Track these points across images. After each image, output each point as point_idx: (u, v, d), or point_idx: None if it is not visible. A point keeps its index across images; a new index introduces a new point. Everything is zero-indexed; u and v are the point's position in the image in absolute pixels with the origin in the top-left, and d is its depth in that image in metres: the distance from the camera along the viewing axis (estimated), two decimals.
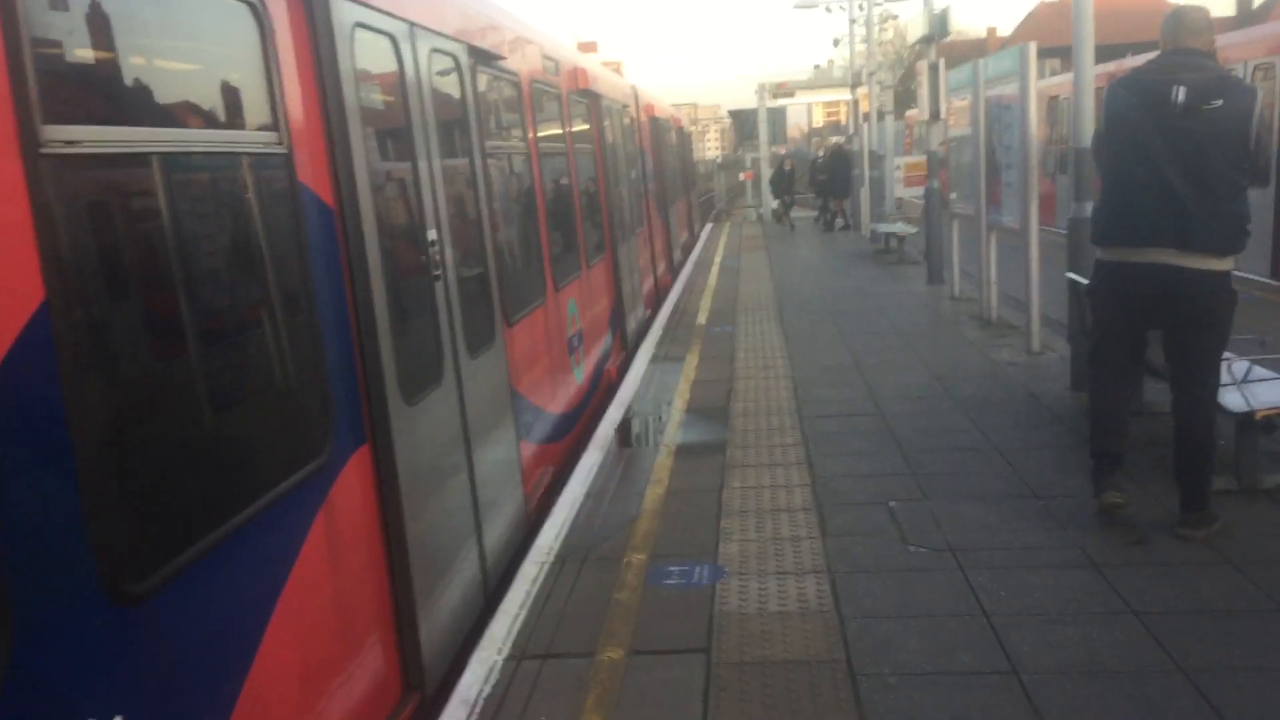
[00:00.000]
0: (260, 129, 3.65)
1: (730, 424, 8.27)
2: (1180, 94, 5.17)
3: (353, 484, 4.07)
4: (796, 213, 31.21)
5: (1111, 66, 18.96)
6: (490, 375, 5.96)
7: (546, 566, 5.66)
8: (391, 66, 4.85)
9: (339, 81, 4.11)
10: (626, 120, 14.40)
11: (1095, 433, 5.76)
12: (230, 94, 3.55)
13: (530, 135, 7.97)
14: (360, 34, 4.39)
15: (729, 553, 5.67)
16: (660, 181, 18.95)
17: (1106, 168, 5.53)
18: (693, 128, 44.14)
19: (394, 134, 4.91)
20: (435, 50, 5.47)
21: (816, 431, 7.90)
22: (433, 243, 5.08)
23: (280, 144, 3.71)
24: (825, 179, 27.37)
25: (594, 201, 11.01)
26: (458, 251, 5.54)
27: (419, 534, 4.50)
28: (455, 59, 5.90)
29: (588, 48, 21.80)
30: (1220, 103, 5.13)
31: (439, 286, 5.13)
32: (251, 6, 3.60)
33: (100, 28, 2.85)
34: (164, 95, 3.25)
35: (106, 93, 2.93)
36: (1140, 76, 5.42)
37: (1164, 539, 5.49)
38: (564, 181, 9.51)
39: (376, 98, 4.72)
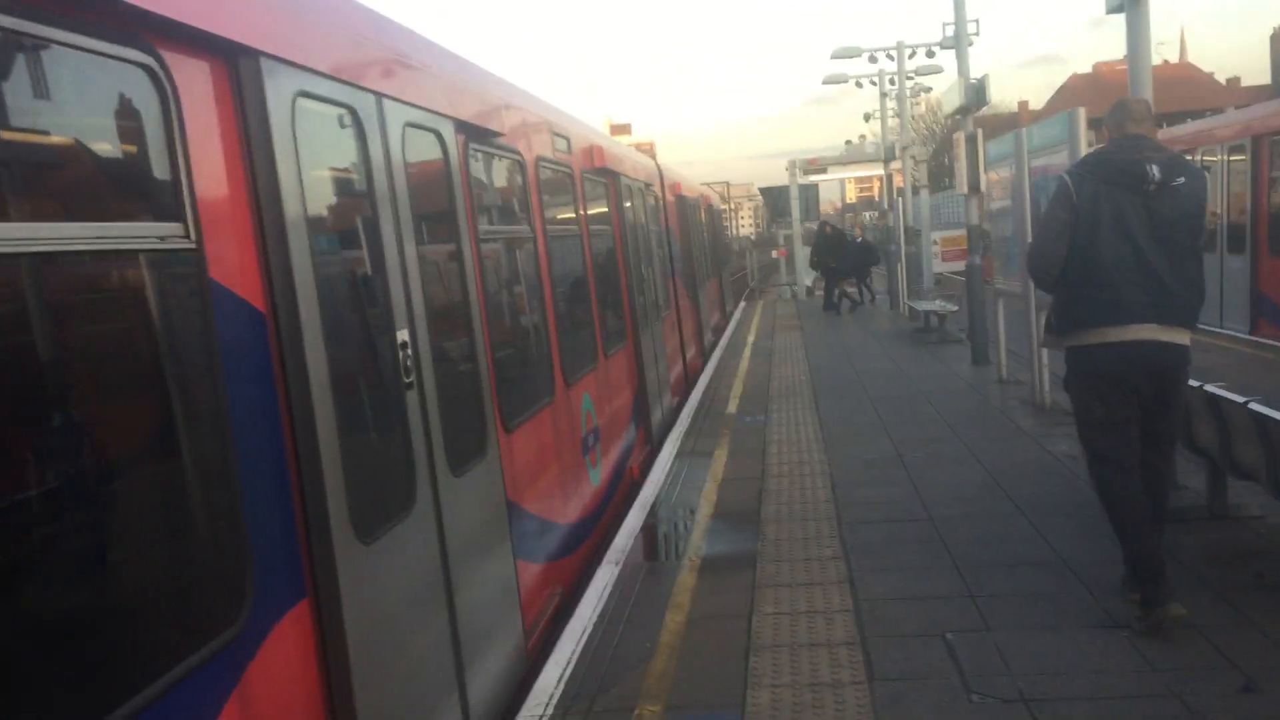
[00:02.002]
0: (159, 219, 2.95)
1: (761, 532, 7.42)
2: (1155, 171, 5.29)
3: (284, 653, 3.28)
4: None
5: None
6: (480, 493, 5.18)
7: None
8: (348, 144, 4.17)
9: (273, 162, 3.42)
10: (650, 200, 13.79)
11: (1127, 538, 5.42)
12: (115, 178, 2.86)
13: (536, 218, 7.30)
14: (305, 105, 3.71)
15: (759, 704, 4.80)
16: (689, 262, 18.30)
17: (1080, 251, 5.39)
18: (724, 206, 43.78)
19: (352, 222, 4.22)
20: (411, 125, 4.80)
21: (858, 541, 7.02)
22: (403, 345, 4.35)
23: (187, 237, 3.00)
24: (834, 263, 26.06)
25: (613, 285, 10.32)
26: (439, 353, 4.80)
27: (374, 704, 3.68)
28: (439, 136, 5.23)
29: (621, 129, 21.29)
30: (1183, 180, 5.33)
31: (411, 396, 4.38)
32: (149, 71, 2.93)
33: None
34: (21, 182, 2.57)
35: None
36: (1108, 159, 5.47)
37: (1275, 679, 4.58)
38: (576, 266, 8.83)
39: (327, 180, 4.03)
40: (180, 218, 2.99)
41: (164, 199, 2.97)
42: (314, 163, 3.78)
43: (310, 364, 3.49)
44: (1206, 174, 5.53)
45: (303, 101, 3.69)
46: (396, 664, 3.93)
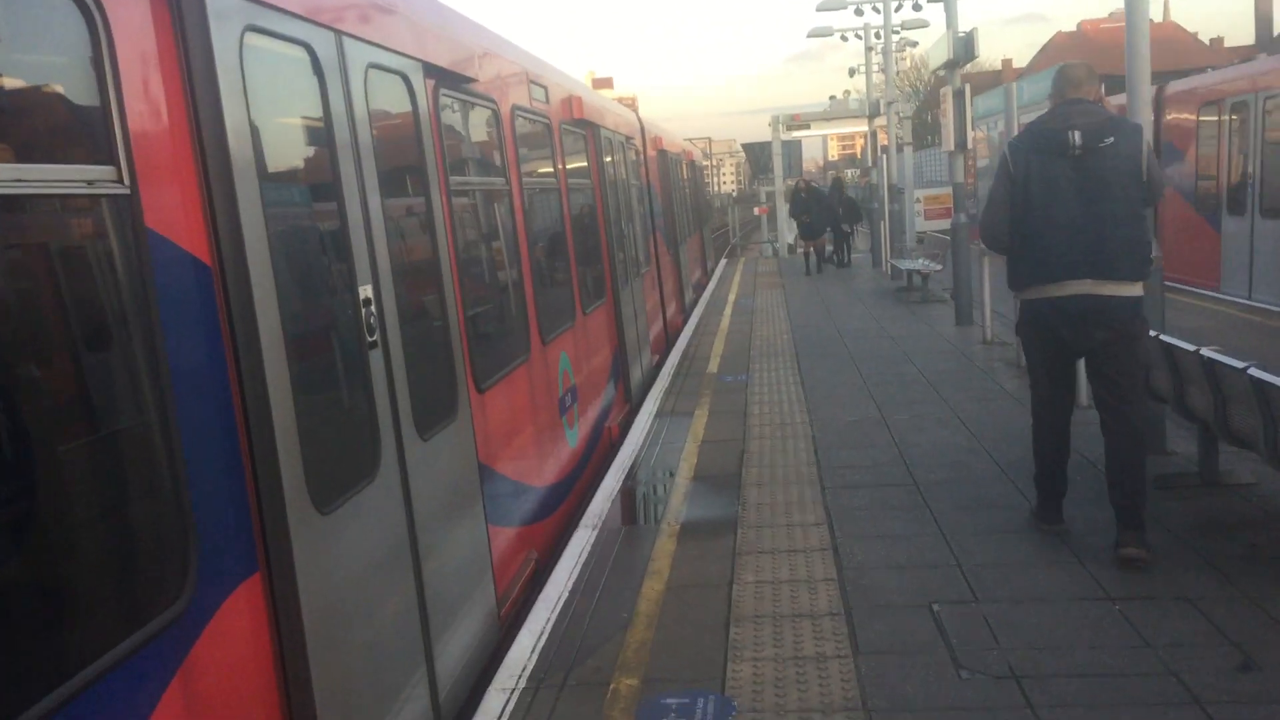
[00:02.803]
0: (87, 161, 2.67)
1: (743, 496, 7.22)
2: (1076, 137, 5.57)
3: (232, 632, 3.04)
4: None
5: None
6: (450, 456, 4.94)
7: (515, 696, 4.61)
8: (305, 85, 3.87)
9: (218, 102, 3.13)
10: (631, 154, 13.46)
11: (1043, 472, 6.14)
12: (33, 113, 2.57)
13: (512, 170, 7.00)
14: (254, 41, 3.41)
15: (740, 677, 4.61)
16: (670, 218, 17.99)
17: (1019, 219, 5.79)
18: (706, 162, 43.35)
19: (309, 170, 3.93)
20: (375, 67, 4.50)
21: (842, 506, 6.84)
22: (366, 302, 4.08)
23: (120, 181, 2.72)
24: (808, 220, 25.60)
25: (592, 241, 10.03)
26: (406, 311, 4.54)
27: (333, 682, 3.47)
28: (405, 79, 4.93)
29: (603, 83, 20.82)
30: (1112, 140, 5.57)
31: (374, 356, 4.12)
32: (79, 3, 2.63)
33: None
34: None
35: None
36: (1038, 128, 5.80)
37: (1272, 655, 4.43)
38: (554, 221, 8.53)
39: (281, 124, 3.74)
40: (113, 160, 2.71)
41: (93, 139, 2.69)
42: (265, 104, 3.49)
43: (261, 321, 3.23)
44: (1139, 129, 5.80)
45: (252, 37, 3.39)
46: (357, 639, 3.71)
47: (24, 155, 2.50)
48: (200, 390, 3.00)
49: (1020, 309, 6.10)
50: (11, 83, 2.54)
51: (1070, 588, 5.34)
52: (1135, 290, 5.66)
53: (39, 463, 2.48)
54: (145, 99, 2.87)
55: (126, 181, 2.74)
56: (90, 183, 2.63)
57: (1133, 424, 5.70)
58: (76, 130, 2.70)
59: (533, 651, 5.04)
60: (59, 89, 2.67)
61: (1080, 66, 5.92)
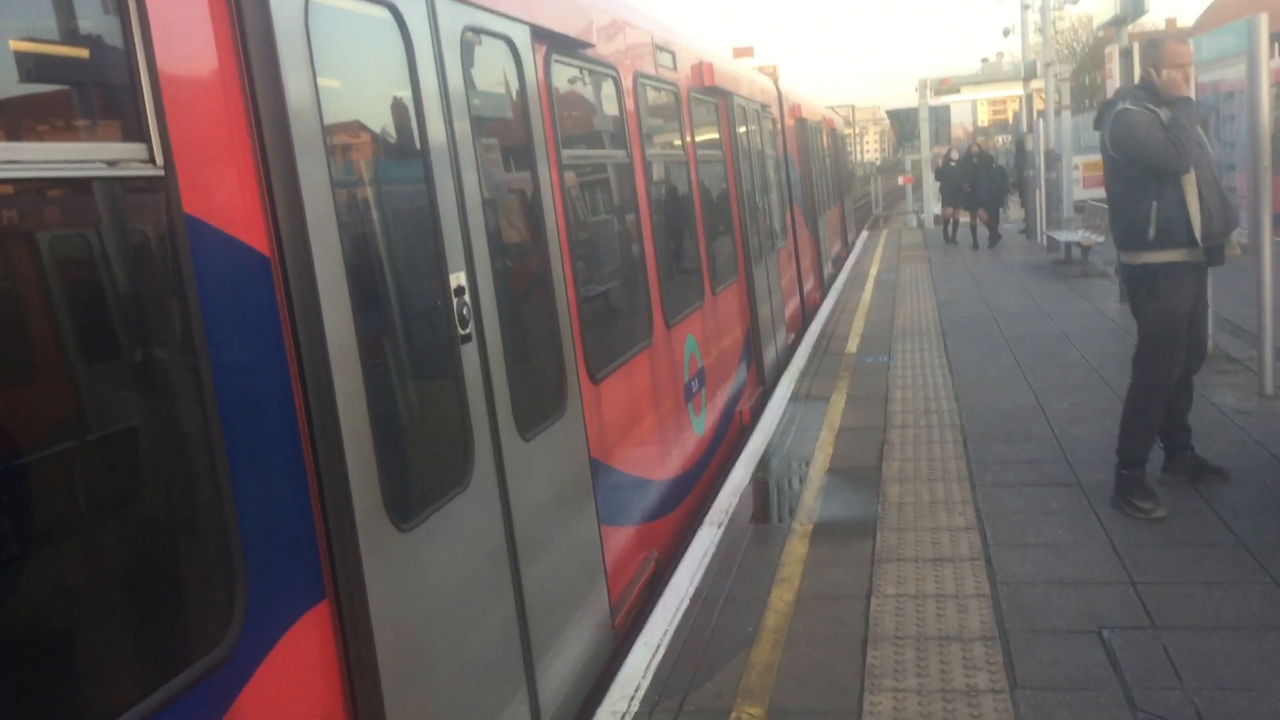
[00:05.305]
0: (110, 139, 2.32)
1: (883, 493, 6.63)
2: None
3: (291, 673, 2.69)
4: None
5: None
6: (557, 455, 4.54)
7: None
8: (387, 49, 3.47)
9: (277, 68, 2.76)
10: (768, 123, 12.83)
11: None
12: (36, 84, 2.23)
13: (634, 142, 6.53)
14: (323, 2, 3.02)
15: (879, 712, 4.08)
16: (808, 189, 17.27)
17: None
18: (849, 130, 42.07)
19: (392, 146, 3.54)
20: (474, 30, 4.09)
21: (995, 509, 6.18)
22: (458, 291, 3.69)
23: (149, 160, 2.37)
24: (969, 189, 23.93)
25: (723, 216, 9.49)
26: (505, 299, 4.13)
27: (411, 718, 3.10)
28: (510, 44, 4.51)
29: (743, 53, 20.14)
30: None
31: (467, 351, 3.72)
32: None
33: None
34: None
35: None
36: None
37: None
38: (681, 195, 8.04)
39: (353, 93, 3.35)
40: (142, 136, 2.35)
41: (116, 112, 2.34)
42: (337, 70, 3.10)
43: (327, 315, 2.85)
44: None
45: None
46: (443, 671, 3.34)
47: (25, 132, 2.16)
48: (251, 394, 2.64)
49: None
50: (20, 45, 2.20)
51: (1265, 614, 4.61)
52: (1136, 258, 5.93)
53: (42, 487, 2.15)
54: (185, 65, 2.51)
55: (160, 161, 2.38)
56: (112, 163, 2.27)
57: (1134, 382, 6.10)
58: (94, 102, 2.35)
59: (647, 669, 4.61)
60: (72, 51, 2.32)
61: (1148, 46, 6.19)
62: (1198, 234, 5.71)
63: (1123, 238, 6.02)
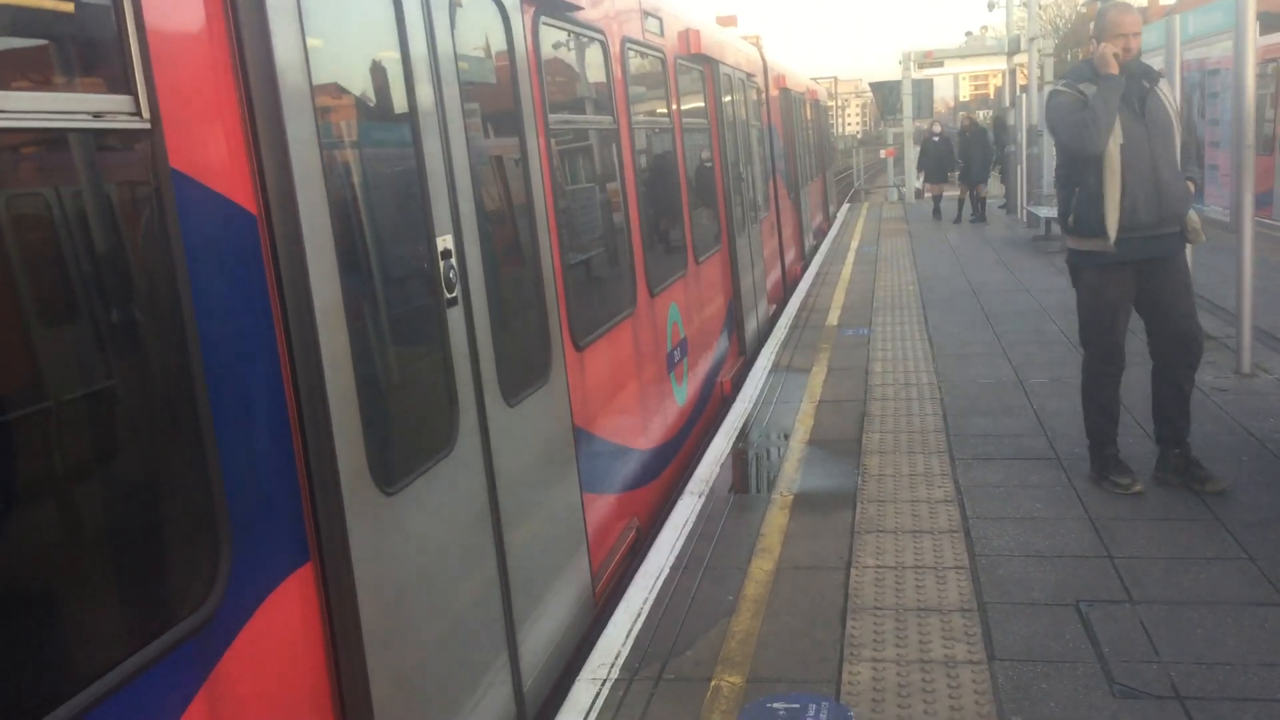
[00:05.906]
0: (94, 90, 2.26)
1: (863, 465, 6.65)
2: None
3: (274, 636, 2.67)
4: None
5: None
6: (541, 421, 4.52)
7: (606, 688, 4.20)
8: (377, 7, 3.41)
9: (264, 20, 2.70)
10: (752, 93, 12.76)
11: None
12: (18, 33, 2.17)
13: (620, 108, 6.47)
14: None
15: (857, 681, 4.11)
16: (791, 161, 17.22)
17: None
18: (831, 102, 41.95)
19: (378, 105, 3.49)
20: None
21: (975, 482, 6.21)
22: (445, 254, 3.65)
23: (137, 114, 2.31)
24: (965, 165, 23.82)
25: (707, 185, 9.45)
26: (492, 264, 4.10)
27: (395, 686, 3.09)
28: (498, 4, 4.44)
29: (727, 21, 20.10)
30: None
31: (453, 315, 3.69)
32: None
33: None
34: None
35: None
36: None
37: None
38: (666, 163, 7.99)
39: (341, 49, 3.29)
40: (128, 88, 2.30)
41: (102, 62, 2.28)
42: (324, 24, 3.04)
43: (314, 274, 2.81)
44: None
45: None
46: (426, 635, 3.32)
47: (10, 82, 2.10)
48: (237, 353, 2.60)
49: None
50: None
51: (1242, 589, 4.66)
52: (1068, 243, 6.00)
53: (23, 446, 2.11)
54: (172, 18, 2.45)
55: (146, 114, 2.33)
56: (97, 114, 2.22)
57: (1081, 369, 6.20)
58: (80, 53, 2.29)
59: (628, 636, 4.62)
60: (58, 2, 2.26)
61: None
62: (1109, 224, 5.47)
63: (1060, 221, 6.08)
